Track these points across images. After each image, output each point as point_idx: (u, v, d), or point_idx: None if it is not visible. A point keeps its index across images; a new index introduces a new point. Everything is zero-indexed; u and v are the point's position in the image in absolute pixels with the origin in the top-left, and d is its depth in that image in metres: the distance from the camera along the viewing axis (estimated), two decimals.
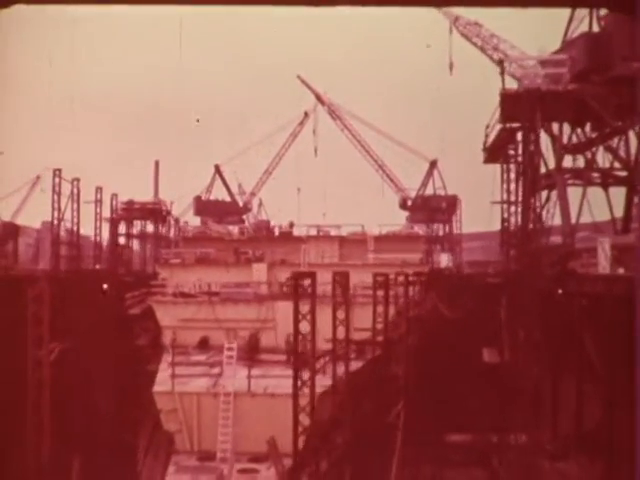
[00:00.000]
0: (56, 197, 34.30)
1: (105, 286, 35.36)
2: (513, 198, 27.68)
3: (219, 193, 61.50)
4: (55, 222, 34.61)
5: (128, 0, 9.58)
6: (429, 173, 58.65)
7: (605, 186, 33.11)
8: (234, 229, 50.62)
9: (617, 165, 33.67)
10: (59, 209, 34.32)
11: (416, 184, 58.27)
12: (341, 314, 37.62)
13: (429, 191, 58.47)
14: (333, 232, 46.18)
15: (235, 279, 40.24)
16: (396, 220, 53.14)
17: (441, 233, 53.21)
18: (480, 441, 30.84)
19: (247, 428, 26.47)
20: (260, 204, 61.95)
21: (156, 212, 44.93)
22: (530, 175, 23.77)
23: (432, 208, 54.14)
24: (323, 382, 28.38)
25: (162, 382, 28.40)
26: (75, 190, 35.82)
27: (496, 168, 32.38)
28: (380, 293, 32.36)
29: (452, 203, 54.99)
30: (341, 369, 28.62)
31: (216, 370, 30.36)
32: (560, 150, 30.32)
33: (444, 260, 48.45)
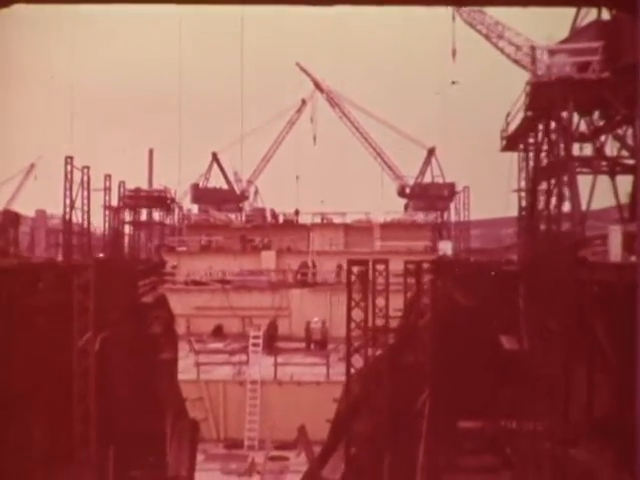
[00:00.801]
0: (68, 185, 33.81)
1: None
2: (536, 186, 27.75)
3: (214, 181, 61.29)
4: (67, 210, 34.20)
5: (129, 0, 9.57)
6: (427, 161, 58.72)
7: (612, 174, 33.26)
8: (232, 216, 50.52)
9: (624, 153, 33.81)
10: (71, 197, 33.95)
11: (415, 172, 58.39)
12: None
13: (427, 179, 58.54)
14: (336, 220, 46.20)
15: (243, 267, 40.19)
16: (394, 207, 53.38)
17: (444, 220, 53.30)
18: (492, 428, 31.08)
19: (274, 416, 26.47)
20: (256, 192, 61.62)
21: (162, 200, 44.72)
22: (564, 164, 23.86)
23: (434, 196, 54.27)
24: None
25: (185, 370, 28.39)
26: (85, 178, 35.46)
27: (509, 156, 32.53)
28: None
29: (451, 191, 55.15)
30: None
31: (236, 358, 30.41)
32: (569, 138, 30.31)
33: (447, 248, 48.53)
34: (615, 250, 25.12)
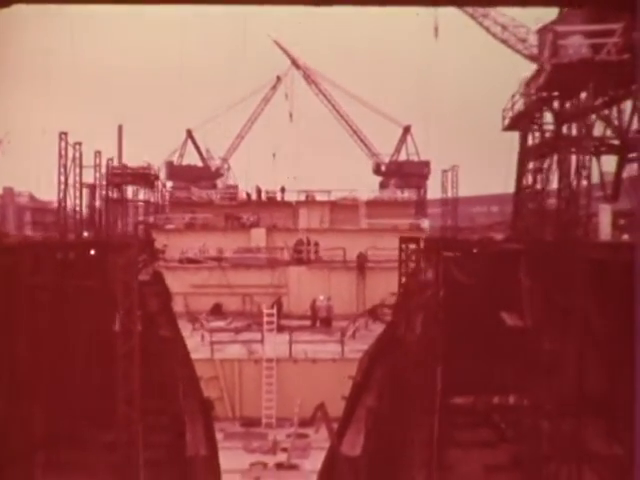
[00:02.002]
0: (62, 162, 33.04)
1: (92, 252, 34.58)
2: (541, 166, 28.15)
3: (187, 158, 60.66)
4: (62, 188, 33.41)
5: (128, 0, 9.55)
6: (402, 139, 58.90)
7: (597, 154, 33.94)
8: (212, 194, 50.20)
9: (609, 133, 34.48)
10: (65, 174, 33.19)
11: (390, 150, 58.51)
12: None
13: (405, 157, 58.66)
14: (320, 197, 46.35)
15: (232, 244, 40.08)
16: (369, 185, 53.62)
17: (423, 198, 53.58)
18: (486, 403, 31.55)
19: (292, 393, 26.56)
20: (228, 168, 61.17)
21: (146, 177, 44.06)
22: (583, 144, 24.24)
23: (410, 173, 54.49)
24: (356, 347, 28.79)
25: (195, 349, 28.21)
26: (77, 154, 34.69)
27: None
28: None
29: (427, 169, 55.41)
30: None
31: (243, 336, 30.41)
32: (560, 118, 30.85)
33: (425, 226, 48.96)
34: (605, 229, 25.75)
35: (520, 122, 31.48)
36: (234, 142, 59.91)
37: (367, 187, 50.87)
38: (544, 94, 27.76)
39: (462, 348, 30.47)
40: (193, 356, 27.57)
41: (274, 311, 28.86)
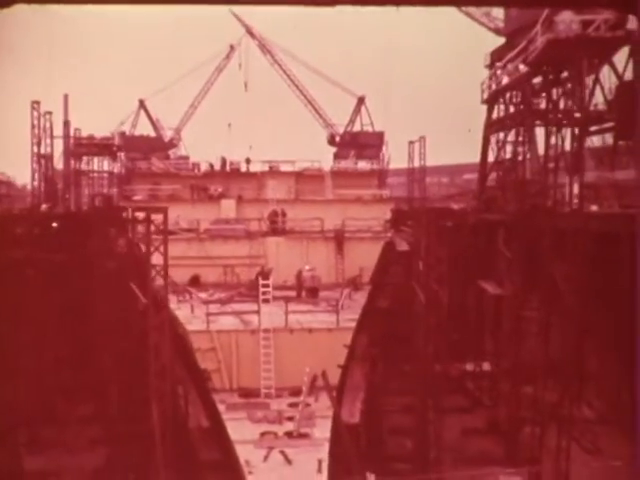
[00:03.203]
0: (35, 132, 32.38)
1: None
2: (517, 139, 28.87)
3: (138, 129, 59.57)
4: (35, 159, 32.73)
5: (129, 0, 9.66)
6: (357, 109, 58.97)
7: (559, 126, 34.84)
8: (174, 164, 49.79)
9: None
10: (39, 144, 32.53)
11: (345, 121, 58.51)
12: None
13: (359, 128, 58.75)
14: (284, 168, 46.43)
15: (202, 215, 39.85)
16: (325, 156, 53.90)
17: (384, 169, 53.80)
18: (460, 370, 32.38)
19: (288, 364, 26.78)
20: (179, 139, 60.34)
21: (109, 148, 43.12)
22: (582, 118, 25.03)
23: (365, 144, 54.64)
24: (346, 316, 29.21)
25: (189, 321, 28.20)
26: (48, 124, 33.97)
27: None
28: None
29: (381, 140, 55.71)
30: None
31: (233, 307, 30.46)
32: (527, 91, 31.67)
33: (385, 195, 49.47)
34: (573, 199, 26.68)
35: (500, 95, 32.15)
36: (187, 112, 59.14)
37: (322, 158, 51.44)
38: (532, 68, 28.44)
39: (451, 316, 31.13)
40: (188, 328, 27.58)
41: (270, 282, 28.90)
